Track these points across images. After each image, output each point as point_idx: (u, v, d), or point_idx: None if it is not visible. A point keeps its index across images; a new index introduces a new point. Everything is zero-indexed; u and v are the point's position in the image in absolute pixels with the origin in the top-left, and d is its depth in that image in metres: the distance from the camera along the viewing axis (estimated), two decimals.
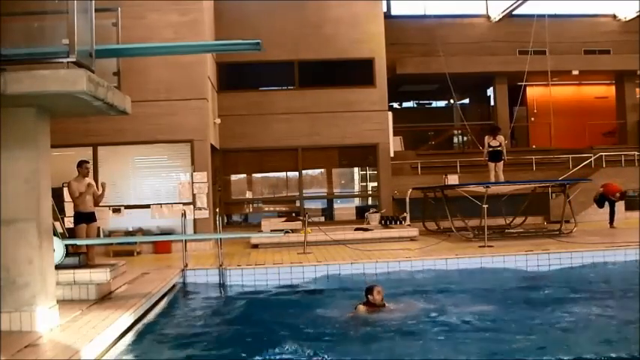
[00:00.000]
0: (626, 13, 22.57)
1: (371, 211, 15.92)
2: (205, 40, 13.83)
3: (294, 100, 16.66)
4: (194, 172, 13.68)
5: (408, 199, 15.57)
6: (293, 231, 13.87)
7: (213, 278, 10.10)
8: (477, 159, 17.36)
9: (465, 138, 24.06)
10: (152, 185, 13.87)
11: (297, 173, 17.08)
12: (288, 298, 9.07)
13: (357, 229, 14.35)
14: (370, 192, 17.99)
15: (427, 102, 26.02)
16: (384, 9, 19.83)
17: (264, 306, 8.57)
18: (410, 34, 21.37)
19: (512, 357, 5.84)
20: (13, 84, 5.35)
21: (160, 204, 13.63)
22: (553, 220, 16.21)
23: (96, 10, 5.80)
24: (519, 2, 20.65)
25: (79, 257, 8.11)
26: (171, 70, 13.21)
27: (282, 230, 8.15)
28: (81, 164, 9.79)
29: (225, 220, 16.73)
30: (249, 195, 17.73)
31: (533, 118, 23.59)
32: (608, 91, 23.93)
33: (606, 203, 15.71)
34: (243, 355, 6.11)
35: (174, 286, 9.53)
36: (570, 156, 19.13)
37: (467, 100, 25.00)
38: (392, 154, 17.44)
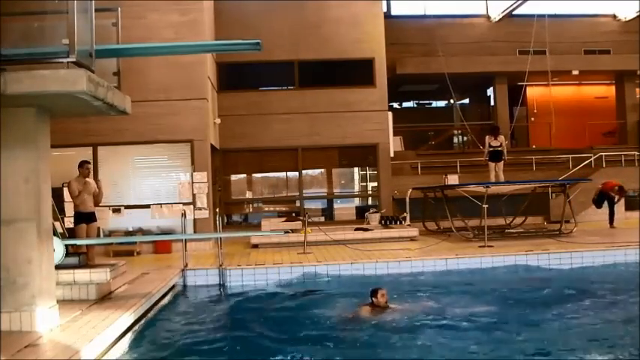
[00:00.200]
0: (626, 13, 22.57)
1: (371, 211, 15.91)
2: (205, 40, 13.84)
3: (294, 100, 16.66)
4: (194, 172, 13.68)
5: (408, 199, 15.57)
6: (293, 231, 13.87)
7: (213, 278, 10.10)
8: (477, 159, 17.37)
9: (465, 138, 24.06)
10: (152, 185, 13.87)
11: (297, 173, 17.08)
12: (288, 298, 9.05)
13: (357, 229, 14.35)
14: (370, 192, 17.99)
15: (427, 102, 26.02)
16: (384, 9, 19.82)
17: (264, 306, 8.55)
18: (410, 34, 21.37)
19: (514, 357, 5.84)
20: (13, 84, 5.35)
21: (160, 204, 13.63)
22: (553, 220, 16.21)
23: (96, 10, 5.80)
24: (519, 2, 20.65)
25: (79, 257, 8.11)
26: (171, 70, 13.21)
27: (283, 230, 8.15)
28: (82, 164, 9.79)
29: (225, 220, 16.73)
30: (249, 195, 17.73)
31: (533, 118, 23.59)
32: (608, 91, 23.93)
33: (605, 203, 15.69)
34: (243, 355, 6.11)
35: (174, 286, 9.53)
36: (570, 156, 19.14)
37: (467, 100, 25.01)
38: (392, 154, 17.44)
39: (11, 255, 5.85)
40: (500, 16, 21.92)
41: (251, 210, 17.92)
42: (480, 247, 11.84)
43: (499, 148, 14.88)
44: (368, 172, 18.34)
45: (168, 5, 13.64)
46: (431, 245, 12.16)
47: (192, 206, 13.54)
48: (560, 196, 15.08)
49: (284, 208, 17.00)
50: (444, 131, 24.10)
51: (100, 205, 10.57)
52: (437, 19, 21.28)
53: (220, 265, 10.21)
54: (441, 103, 25.93)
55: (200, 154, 13.72)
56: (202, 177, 13.67)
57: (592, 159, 18.70)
